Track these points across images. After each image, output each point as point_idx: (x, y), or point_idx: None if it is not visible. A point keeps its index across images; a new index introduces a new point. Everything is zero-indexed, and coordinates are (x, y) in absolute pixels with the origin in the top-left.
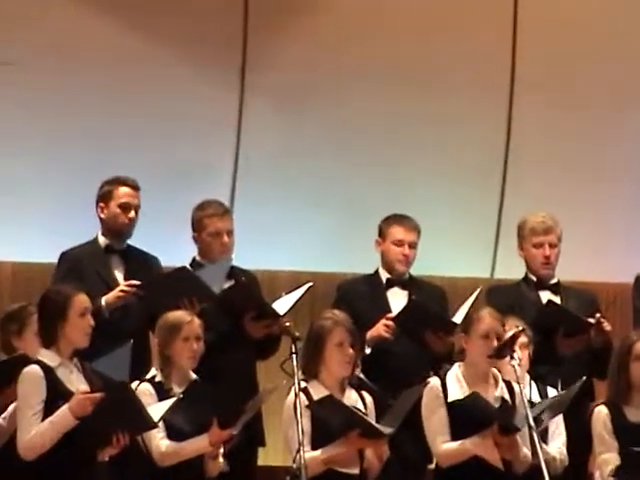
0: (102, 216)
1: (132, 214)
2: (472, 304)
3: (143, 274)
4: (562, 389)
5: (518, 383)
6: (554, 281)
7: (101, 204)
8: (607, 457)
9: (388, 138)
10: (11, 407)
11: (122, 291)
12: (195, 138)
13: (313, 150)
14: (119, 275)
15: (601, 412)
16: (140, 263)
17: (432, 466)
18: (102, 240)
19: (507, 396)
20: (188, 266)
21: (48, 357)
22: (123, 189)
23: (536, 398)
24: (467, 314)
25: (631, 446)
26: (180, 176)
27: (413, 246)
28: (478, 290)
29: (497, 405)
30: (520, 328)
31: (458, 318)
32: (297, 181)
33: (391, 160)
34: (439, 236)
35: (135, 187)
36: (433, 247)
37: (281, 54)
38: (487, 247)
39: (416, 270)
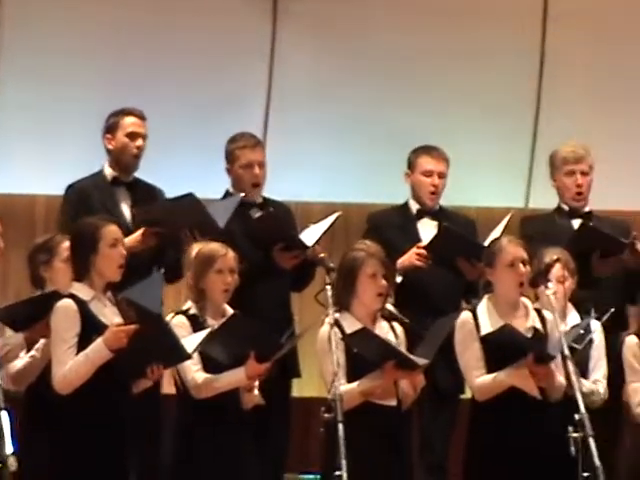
0: (109, 147)
1: (140, 142)
2: (503, 230)
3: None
4: (596, 316)
5: (552, 313)
6: (587, 210)
7: (108, 135)
8: (638, 386)
9: (421, 69)
10: (42, 341)
11: (143, 234)
12: (228, 69)
13: (346, 80)
14: (125, 207)
15: (631, 341)
16: (146, 195)
17: (464, 395)
18: (109, 172)
19: (539, 325)
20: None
21: (81, 291)
22: (129, 119)
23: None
24: (490, 247)
25: None
26: (213, 108)
27: (442, 176)
28: (509, 216)
29: (529, 335)
30: (555, 257)
31: (486, 243)
32: (330, 112)
33: (423, 91)
34: (473, 167)
35: (141, 117)
36: (467, 178)
37: None
38: (521, 177)
39: (450, 201)
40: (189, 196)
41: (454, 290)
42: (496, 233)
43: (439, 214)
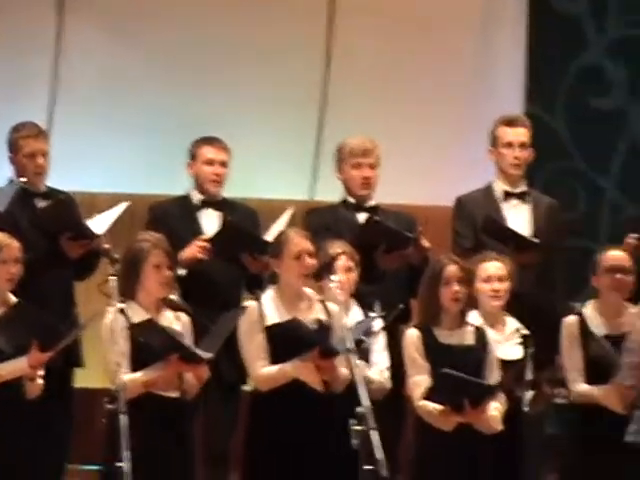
0: None
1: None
2: (286, 223)
3: None
4: (381, 309)
5: (338, 305)
6: (372, 203)
7: None
8: (418, 379)
9: (209, 60)
10: None
11: None
12: (12, 59)
13: (134, 70)
14: None
15: (412, 334)
16: None
17: (246, 387)
18: None
19: (324, 317)
20: None
21: None
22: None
23: (358, 319)
24: (276, 239)
25: (442, 367)
26: None
27: (224, 165)
28: (292, 209)
29: (314, 327)
30: (340, 250)
31: (270, 237)
32: (116, 103)
33: (211, 83)
34: (259, 158)
35: None
36: (253, 169)
37: None
38: (307, 169)
39: (233, 192)
40: None
41: (237, 282)
42: (279, 226)
43: (222, 204)
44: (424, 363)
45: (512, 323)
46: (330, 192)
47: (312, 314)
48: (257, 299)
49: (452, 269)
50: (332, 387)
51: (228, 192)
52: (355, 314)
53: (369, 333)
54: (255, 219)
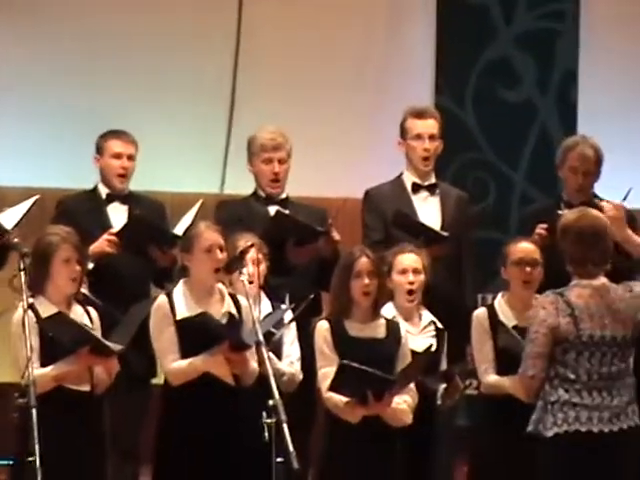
0: None
1: None
2: (195, 216)
3: None
4: (290, 302)
5: (247, 298)
6: (283, 196)
7: None
8: (327, 371)
9: (116, 50)
10: None
11: None
12: None
13: (42, 63)
14: None
15: (322, 326)
16: None
17: (156, 380)
18: None
19: (234, 311)
20: None
21: None
22: None
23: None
24: (187, 232)
25: (351, 360)
26: None
27: (132, 158)
28: (200, 202)
29: (224, 321)
30: (250, 243)
31: (179, 230)
32: (24, 95)
33: (117, 74)
34: (169, 151)
35: None
36: (162, 162)
37: None
38: (217, 162)
39: (142, 185)
40: None
41: (144, 276)
42: (188, 218)
43: (129, 198)
44: (333, 355)
45: (427, 316)
46: (242, 185)
47: (223, 308)
48: (168, 293)
49: (363, 262)
50: (242, 381)
51: (139, 185)
52: (265, 307)
53: (279, 325)
54: (162, 212)
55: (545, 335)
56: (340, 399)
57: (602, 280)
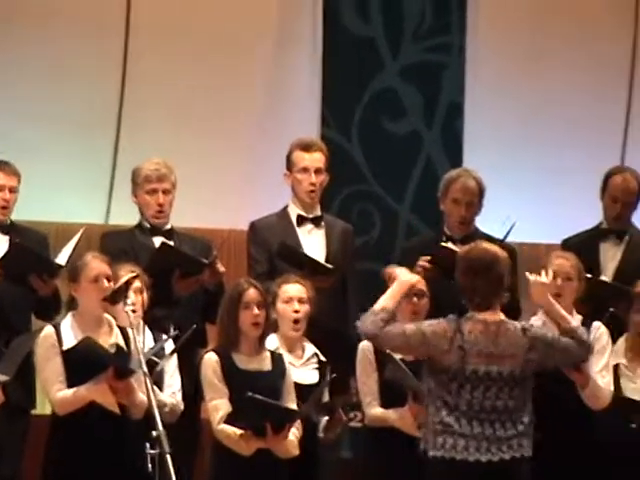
0: None
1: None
2: (76, 245)
3: None
4: (174, 335)
5: (132, 329)
6: (168, 227)
7: None
8: (217, 403)
9: None
10: None
11: None
12: None
13: None
14: None
15: (211, 358)
16: None
17: (36, 411)
18: None
19: (122, 342)
20: None
21: None
22: None
23: (150, 343)
24: (73, 263)
25: (240, 392)
26: None
27: (13, 190)
28: (80, 232)
29: (112, 351)
30: (135, 273)
31: (61, 259)
32: None
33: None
34: (54, 182)
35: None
36: (48, 193)
37: None
38: (103, 192)
39: (27, 215)
40: None
41: (25, 305)
42: (69, 248)
43: (10, 228)
44: (223, 387)
45: (310, 348)
46: (127, 215)
47: (111, 339)
48: (55, 325)
49: (251, 293)
50: (131, 413)
51: (24, 215)
52: (147, 337)
53: (161, 355)
54: (45, 243)
55: (423, 334)
56: (234, 431)
57: (499, 316)
